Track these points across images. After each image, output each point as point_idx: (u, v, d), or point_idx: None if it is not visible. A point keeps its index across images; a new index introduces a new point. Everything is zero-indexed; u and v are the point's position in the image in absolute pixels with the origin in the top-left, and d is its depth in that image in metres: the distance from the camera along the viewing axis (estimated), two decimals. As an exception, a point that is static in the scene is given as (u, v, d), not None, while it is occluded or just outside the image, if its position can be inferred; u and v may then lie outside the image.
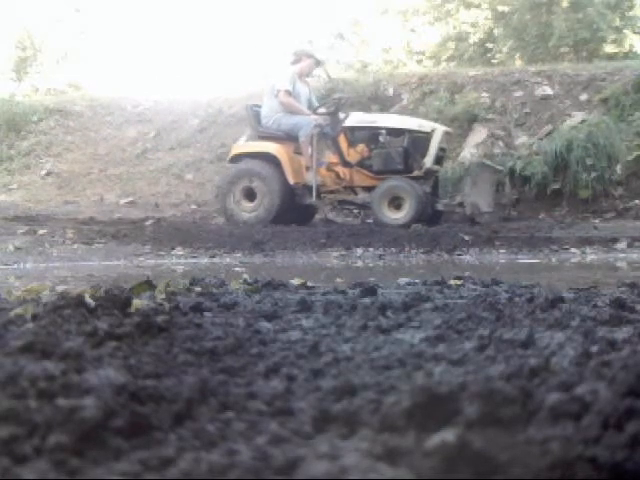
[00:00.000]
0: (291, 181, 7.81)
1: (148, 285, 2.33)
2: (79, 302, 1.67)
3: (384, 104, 12.38)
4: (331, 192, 8.08)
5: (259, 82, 14.97)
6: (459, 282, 2.84)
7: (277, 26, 32.36)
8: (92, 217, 9.22)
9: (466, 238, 6.62)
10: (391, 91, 12.66)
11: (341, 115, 7.98)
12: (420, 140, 7.77)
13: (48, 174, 12.87)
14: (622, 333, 1.50)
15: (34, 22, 18.93)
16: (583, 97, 11.47)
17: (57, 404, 0.81)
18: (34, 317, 1.56)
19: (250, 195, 8.04)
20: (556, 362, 1.13)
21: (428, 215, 7.60)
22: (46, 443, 0.76)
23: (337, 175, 7.97)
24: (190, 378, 1.06)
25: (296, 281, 2.87)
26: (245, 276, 2.96)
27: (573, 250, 6.17)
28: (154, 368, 1.12)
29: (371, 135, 7.94)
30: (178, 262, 5.64)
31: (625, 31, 17.75)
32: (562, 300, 2.01)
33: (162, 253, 6.15)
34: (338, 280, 3.52)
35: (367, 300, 2.21)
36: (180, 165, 12.34)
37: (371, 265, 5.33)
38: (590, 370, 1.00)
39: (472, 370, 1.13)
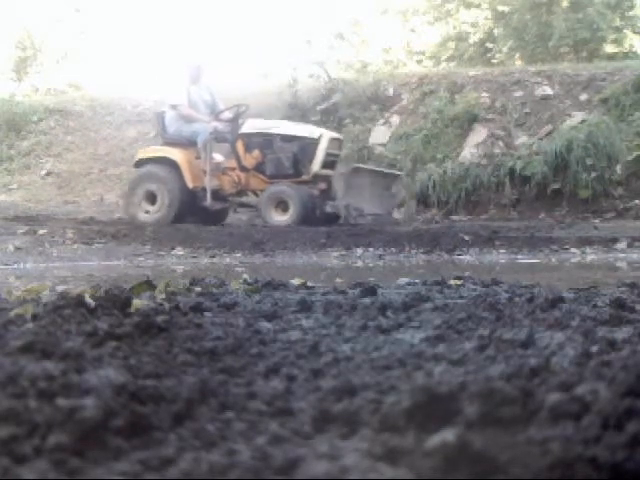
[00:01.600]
0: (190, 185, 8.27)
1: (148, 285, 2.33)
2: (79, 302, 1.67)
3: (384, 104, 12.39)
4: (230, 195, 8.55)
5: (259, 82, 14.98)
6: (459, 282, 2.84)
7: (277, 26, 32.34)
8: (92, 217, 9.22)
9: (466, 238, 6.63)
10: (391, 91, 12.66)
11: (239, 122, 8.44)
12: (309, 146, 8.18)
13: (48, 174, 12.87)
14: (622, 333, 1.50)
15: (34, 22, 18.92)
16: (583, 97, 11.47)
17: (57, 404, 0.81)
18: (34, 317, 1.57)
19: (152, 198, 8.50)
20: (556, 362, 1.13)
21: (316, 217, 7.99)
22: (46, 443, 0.76)
23: (234, 179, 8.44)
24: (190, 378, 1.06)
25: (296, 281, 2.87)
26: (245, 276, 2.96)
27: (573, 250, 6.17)
28: (154, 368, 1.12)
29: (265, 141, 8.37)
30: (178, 262, 5.64)
31: (625, 31, 17.75)
32: (562, 300, 2.01)
33: (162, 253, 6.15)
34: (338, 280, 3.52)
35: (367, 300, 2.21)
36: (180, 165, 12.33)
37: (371, 265, 5.33)
38: (590, 370, 1.00)
39: (472, 370, 1.13)
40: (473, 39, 19.56)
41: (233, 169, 8.42)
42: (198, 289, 2.53)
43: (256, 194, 8.52)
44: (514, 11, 18.05)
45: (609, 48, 17.41)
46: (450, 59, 19.46)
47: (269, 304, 2.16)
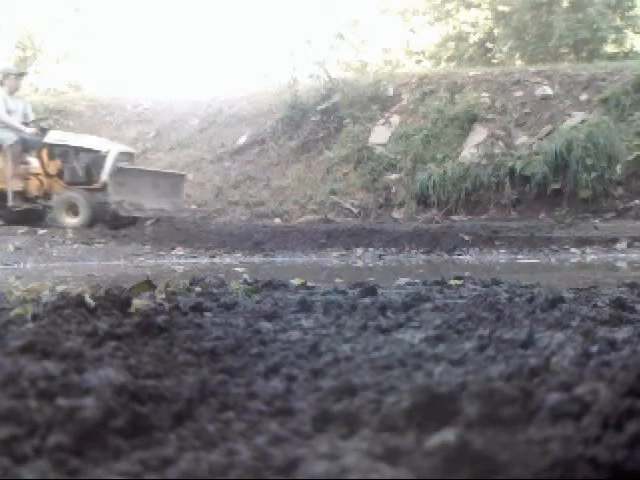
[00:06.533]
0: None
1: (148, 285, 2.33)
2: (79, 302, 1.67)
3: (384, 104, 12.38)
4: (37, 197, 9.28)
5: (259, 82, 14.98)
6: (459, 282, 2.84)
7: (277, 26, 32.35)
8: (92, 217, 9.26)
9: (466, 238, 6.63)
10: (391, 91, 12.66)
11: (44, 132, 9.33)
12: (100, 158, 9.08)
13: (48, 174, 12.86)
14: (622, 333, 1.50)
15: (34, 22, 18.91)
16: (583, 97, 11.47)
17: (57, 404, 0.81)
18: (34, 317, 1.56)
19: None
20: (556, 362, 1.13)
21: (106, 219, 8.85)
22: (46, 443, 0.76)
23: (37, 183, 9.25)
24: (190, 378, 1.06)
25: (296, 281, 2.87)
26: (245, 276, 2.96)
27: (573, 250, 6.17)
28: (154, 368, 1.12)
29: (65, 151, 9.24)
30: (178, 262, 5.64)
31: (625, 31, 17.75)
32: (562, 300, 2.01)
33: (162, 253, 6.15)
34: (338, 280, 3.52)
35: (367, 300, 2.20)
36: (180, 165, 12.34)
37: (371, 265, 5.33)
38: (590, 370, 1.00)
39: (472, 370, 1.13)
40: (473, 39, 19.56)
41: (39, 174, 9.28)
42: (198, 289, 2.52)
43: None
44: (514, 11, 18.05)
45: (609, 48, 17.41)
46: (450, 59, 19.45)
47: (269, 304, 2.16)
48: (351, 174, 11.39)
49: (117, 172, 8.96)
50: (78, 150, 9.20)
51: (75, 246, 6.58)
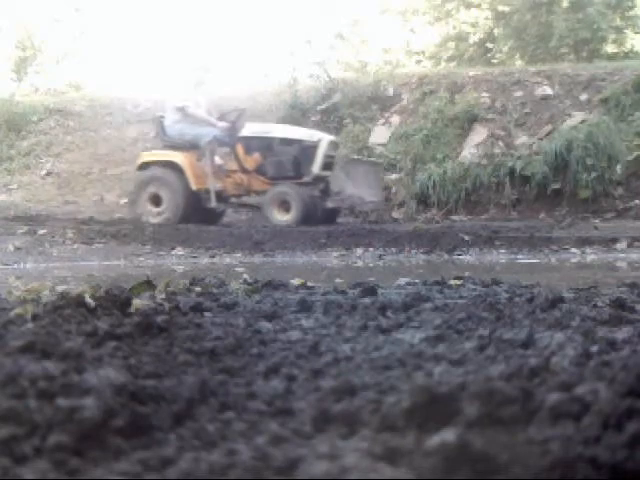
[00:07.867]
0: (193, 187, 8.45)
1: (148, 285, 2.33)
2: (79, 302, 1.67)
3: (384, 104, 12.38)
4: (233, 196, 8.82)
5: (259, 82, 14.98)
6: (459, 282, 2.84)
7: (277, 26, 32.35)
8: (92, 217, 9.23)
9: (466, 238, 6.62)
10: (391, 91, 12.66)
11: (238, 125, 8.69)
12: (308, 149, 8.47)
13: (48, 174, 12.87)
14: (622, 333, 1.50)
15: (34, 22, 18.90)
16: (583, 97, 11.47)
17: (57, 404, 0.81)
18: (34, 317, 1.56)
19: (157, 200, 8.67)
20: (556, 362, 1.13)
21: (317, 215, 8.29)
22: (46, 443, 0.76)
23: (236, 181, 8.69)
24: (190, 378, 1.06)
25: (296, 281, 2.87)
26: (245, 276, 2.96)
27: (573, 250, 6.16)
28: (154, 368, 1.12)
29: (265, 144, 8.64)
30: (178, 262, 5.64)
31: (625, 31, 17.75)
32: (562, 300, 2.01)
33: (162, 253, 6.15)
34: (338, 280, 3.51)
35: (367, 300, 2.20)
36: (180, 165, 12.32)
37: (371, 265, 5.33)
38: (590, 370, 1.00)
39: (472, 370, 1.13)
40: (473, 39, 19.57)
41: (234, 171, 8.65)
42: (198, 289, 2.52)
43: (258, 195, 8.79)
44: (514, 11, 18.05)
45: (609, 48, 17.41)
46: (450, 59, 19.45)
47: (269, 304, 2.16)
48: (351, 174, 11.39)
49: (347, 163, 8.46)
50: (280, 142, 8.57)
51: (75, 246, 6.57)
